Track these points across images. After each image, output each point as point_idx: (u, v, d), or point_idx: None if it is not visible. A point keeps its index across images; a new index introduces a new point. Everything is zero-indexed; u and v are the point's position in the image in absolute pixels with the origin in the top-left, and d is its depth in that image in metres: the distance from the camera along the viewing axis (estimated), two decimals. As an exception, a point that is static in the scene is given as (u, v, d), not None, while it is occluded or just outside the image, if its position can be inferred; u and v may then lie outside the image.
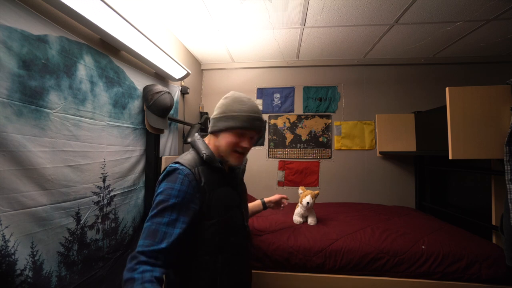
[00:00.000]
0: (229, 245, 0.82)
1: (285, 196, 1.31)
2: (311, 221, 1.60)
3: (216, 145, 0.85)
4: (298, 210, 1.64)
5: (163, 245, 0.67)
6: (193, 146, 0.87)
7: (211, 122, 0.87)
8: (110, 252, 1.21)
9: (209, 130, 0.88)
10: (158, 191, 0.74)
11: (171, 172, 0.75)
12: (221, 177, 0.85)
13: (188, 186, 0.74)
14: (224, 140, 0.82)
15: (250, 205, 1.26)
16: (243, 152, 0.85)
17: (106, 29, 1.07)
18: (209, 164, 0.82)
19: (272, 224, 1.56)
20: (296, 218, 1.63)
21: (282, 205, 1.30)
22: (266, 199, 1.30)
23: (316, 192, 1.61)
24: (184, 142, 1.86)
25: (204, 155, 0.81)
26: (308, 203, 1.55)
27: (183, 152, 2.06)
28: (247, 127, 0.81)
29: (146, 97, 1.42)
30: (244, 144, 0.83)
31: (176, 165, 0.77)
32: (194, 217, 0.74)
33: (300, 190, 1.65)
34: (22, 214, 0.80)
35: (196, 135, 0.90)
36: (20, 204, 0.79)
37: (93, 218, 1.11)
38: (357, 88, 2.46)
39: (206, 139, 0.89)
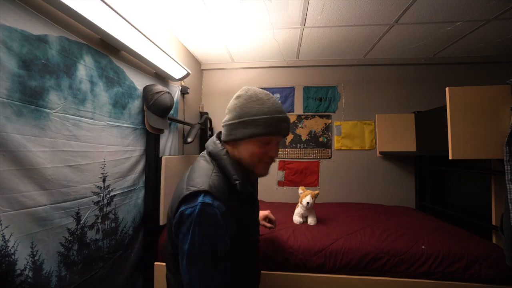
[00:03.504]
0: (246, 263, 0.76)
1: (267, 225, 1.16)
2: (311, 221, 1.60)
3: (237, 157, 0.72)
4: (298, 210, 1.64)
5: None
6: (218, 161, 0.71)
7: (224, 129, 0.73)
8: (110, 252, 1.21)
9: (222, 138, 0.75)
10: (195, 238, 0.59)
11: (204, 212, 0.60)
12: (248, 200, 0.76)
13: (229, 225, 0.64)
14: (247, 151, 0.70)
15: None
16: (269, 162, 0.73)
17: (106, 29, 1.07)
18: (238, 191, 0.69)
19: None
20: (296, 218, 1.63)
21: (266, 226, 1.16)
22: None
23: (316, 192, 1.61)
24: (184, 142, 1.86)
25: (238, 183, 0.67)
26: (308, 203, 1.55)
27: (183, 153, 2.06)
28: (273, 132, 0.68)
29: (146, 97, 1.42)
30: (272, 153, 0.70)
31: (208, 200, 0.61)
32: None
33: (300, 190, 1.65)
34: (22, 214, 0.80)
35: (219, 147, 0.73)
36: (20, 204, 0.79)
37: (93, 218, 1.11)
38: (357, 88, 2.46)
39: (229, 149, 0.74)
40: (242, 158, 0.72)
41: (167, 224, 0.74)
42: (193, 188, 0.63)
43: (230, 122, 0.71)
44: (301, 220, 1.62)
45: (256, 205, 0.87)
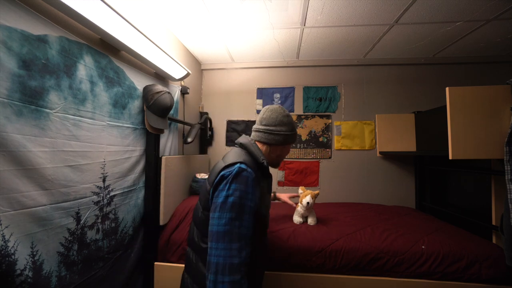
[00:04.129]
0: (261, 244, 0.91)
1: (294, 205, 1.61)
2: (311, 221, 1.60)
3: (268, 154, 0.96)
4: (298, 210, 1.64)
5: (249, 248, 0.73)
6: (247, 149, 0.92)
7: (281, 136, 0.94)
8: (110, 252, 1.21)
9: (257, 138, 0.96)
10: (229, 192, 0.75)
11: (240, 173, 0.77)
12: (267, 183, 0.96)
13: (257, 190, 0.79)
14: (284, 151, 0.99)
15: None
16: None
17: (106, 29, 1.07)
18: (263, 170, 0.89)
19: (272, 224, 1.56)
20: (296, 218, 1.63)
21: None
22: (278, 194, 1.62)
23: (316, 192, 1.61)
24: (184, 142, 1.86)
25: (265, 161, 0.87)
26: (308, 203, 1.55)
27: (183, 153, 2.06)
28: (293, 141, 0.99)
29: (146, 97, 1.42)
30: (288, 153, 1.04)
31: (244, 166, 0.79)
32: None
33: (300, 190, 1.65)
34: (22, 214, 0.80)
35: (249, 138, 0.97)
36: (20, 204, 0.79)
37: (93, 218, 1.11)
38: (357, 88, 2.46)
39: (258, 145, 0.96)
40: (279, 156, 0.98)
41: (202, 196, 0.90)
42: (231, 161, 0.82)
43: (282, 132, 0.94)
44: (301, 220, 1.62)
45: (270, 193, 1.05)
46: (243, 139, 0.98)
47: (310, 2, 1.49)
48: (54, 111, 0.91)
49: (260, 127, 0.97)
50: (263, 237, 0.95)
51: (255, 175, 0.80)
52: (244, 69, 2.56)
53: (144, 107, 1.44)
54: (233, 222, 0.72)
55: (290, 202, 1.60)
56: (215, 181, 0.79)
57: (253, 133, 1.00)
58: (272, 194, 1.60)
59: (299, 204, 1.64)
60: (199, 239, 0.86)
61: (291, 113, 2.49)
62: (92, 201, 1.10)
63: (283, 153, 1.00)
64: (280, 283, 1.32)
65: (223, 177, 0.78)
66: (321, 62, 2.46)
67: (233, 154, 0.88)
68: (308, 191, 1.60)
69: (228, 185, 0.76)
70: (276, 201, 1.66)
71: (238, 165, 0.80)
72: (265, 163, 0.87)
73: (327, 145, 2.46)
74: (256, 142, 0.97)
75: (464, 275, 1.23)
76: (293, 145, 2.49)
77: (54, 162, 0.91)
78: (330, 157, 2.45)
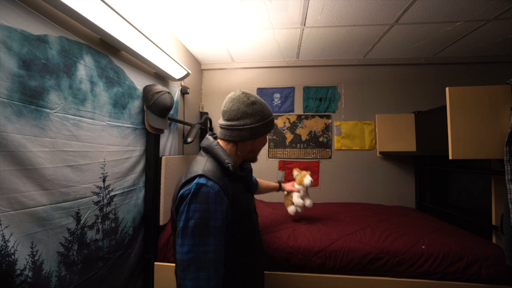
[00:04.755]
0: (251, 250, 0.84)
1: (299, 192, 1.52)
2: (309, 203, 1.53)
3: (236, 152, 0.85)
4: (297, 194, 1.54)
5: (220, 273, 0.66)
6: (210, 153, 0.81)
7: (247, 131, 0.81)
8: (110, 252, 1.21)
9: (230, 138, 0.83)
10: (189, 215, 0.66)
11: (198, 190, 0.68)
12: (242, 184, 0.84)
13: (222, 204, 0.70)
14: (257, 145, 0.87)
15: (268, 183, 1.51)
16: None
17: (106, 29, 1.07)
18: (232, 173, 0.78)
19: (272, 224, 1.56)
20: (297, 200, 1.52)
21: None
22: (283, 185, 1.57)
23: (309, 172, 1.55)
24: (184, 142, 1.86)
25: (230, 165, 0.76)
26: (311, 181, 1.48)
27: (183, 153, 2.06)
28: (271, 129, 0.88)
29: (146, 97, 1.42)
30: (265, 144, 0.93)
31: (203, 180, 0.70)
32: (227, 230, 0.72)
33: (296, 172, 1.58)
34: (22, 214, 0.80)
35: (211, 140, 0.84)
36: (20, 204, 0.79)
37: (93, 218, 1.11)
38: (357, 88, 2.46)
39: (223, 145, 0.85)
40: (254, 149, 0.86)
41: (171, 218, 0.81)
42: (190, 176, 0.73)
43: (255, 124, 0.81)
44: (302, 201, 1.52)
45: (251, 192, 0.94)
46: (205, 141, 0.86)
47: (310, 2, 1.49)
48: (54, 111, 0.91)
49: (222, 122, 0.85)
50: (253, 239, 0.87)
51: (219, 186, 0.71)
52: (244, 69, 2.56)
53: (144, 107, 1.44)
54: (197, 249, 0.64)
55: (295, 189, 1.53)
56: (176, 202, 0.71)
57: (219, 131, 0.88)
58: (277, 184, 1.57)
59: (295, 185, 1.55)
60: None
61: (291, 113, 2.51)
62: (92, 201, 1.10)
63: (256, 147, 0.87)
64: (280, 283, 1.32)
65: (182, 198, 0.70)
66: (321, 62, 2.46)
67: (194, 165, 0.79)
68: (304, 171, 1.54)
69: (187, 206, 0.67)
70: (282, 191, 1.61)
71: (196, 180, 0.70)
72: (230, 168, 0.76)
73: (327, 145, 2.46)
74: (219, 141, 0.86)
75: (464, 275, 1.23)
76: (294, 145, 2.49)
77: (54, 162, 0.91)
78: (330, 157, 2.45)
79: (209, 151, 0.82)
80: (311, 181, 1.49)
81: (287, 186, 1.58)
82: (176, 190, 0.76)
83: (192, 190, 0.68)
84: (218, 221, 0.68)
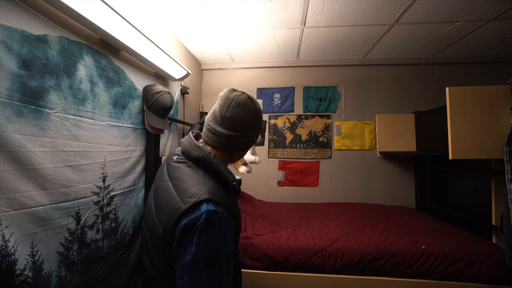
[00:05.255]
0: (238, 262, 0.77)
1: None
2: (258, 159, 1.65)
3: (227, 160, 0.77)
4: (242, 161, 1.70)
5: None
6: (207, 167, 0.69)
7: (249, 141, 0.74)
8: (110, 252, 1.21)
9: (232, 149, 0.74)
10: (200, 247, 0.57)
11: (210, 219, 0.59)
12: (235, 198, 0.76)
13: (231, 227, 0.64)
14: (240, 156, 0.79)
15: None
16: None
17: (106, 29, 1.07)
18: (232, 190, 0.70)
19: (272, 224, 1.56)
20: (249, 156, 1.63)
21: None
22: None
23: None
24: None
25: (235, 184, 0.69)
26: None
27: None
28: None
29: (146, 97, 1.42)
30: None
31: (212, 207, 0.60)
32: None
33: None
34: (22, 214, 0.80)
35: (206, 151, 0.70)
36: (20, 204, 0.79)
37: (93, 218, 1.11)
38: (357, 88, 2.46)
39: (220, 156, 0.74)
40: (231, 161, 0.78)
41: (153, 241, 0.70)
42: (192, 200, 0.61)
43: (249, 137, 0.73)
44: (253, 157, 1.63)
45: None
46: (196, 150, 0.70)
47: (310, 2, 1.49)
48: (54, 111, 0.91)
49: (222, 131, 0.70)
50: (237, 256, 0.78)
51: (227, 210, 0.63)
52: (244, 69, 2.56)
53: (144, 107, 1.44)
54: (210, 282, 0.58)
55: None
56: (176, 232, 0.60)
57: (208, 135, 0.74)
58: None
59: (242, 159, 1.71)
60: (150, 265, 0.73)
61: (291, 113, 2.51)
62: (92, 201, 1.10)
63: (244, 153, 0.80)
64: (280, 283, 1.32)
65: (188, 228, 0.59)
66: (321, 62, 2.46)
67: (190, 182, 0.65)
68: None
69: (197, 238, 0.57)
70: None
71: (205, 207, 0.59)
72: (236, 186, 0.68)
73: (327, 145, 2.46)
74: (213, 150, 0.73)
75: (464, 275, 1.23)
76: (294, 145, 2.50)
77: (54, 162, 0.91)
78: (330, 157, 2.45)
79: (205, 165, 0.69)
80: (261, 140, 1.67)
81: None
82: (172, 216, 0.61)
83: (202, 221, 0.58)
84: (231, 248, 0.62)
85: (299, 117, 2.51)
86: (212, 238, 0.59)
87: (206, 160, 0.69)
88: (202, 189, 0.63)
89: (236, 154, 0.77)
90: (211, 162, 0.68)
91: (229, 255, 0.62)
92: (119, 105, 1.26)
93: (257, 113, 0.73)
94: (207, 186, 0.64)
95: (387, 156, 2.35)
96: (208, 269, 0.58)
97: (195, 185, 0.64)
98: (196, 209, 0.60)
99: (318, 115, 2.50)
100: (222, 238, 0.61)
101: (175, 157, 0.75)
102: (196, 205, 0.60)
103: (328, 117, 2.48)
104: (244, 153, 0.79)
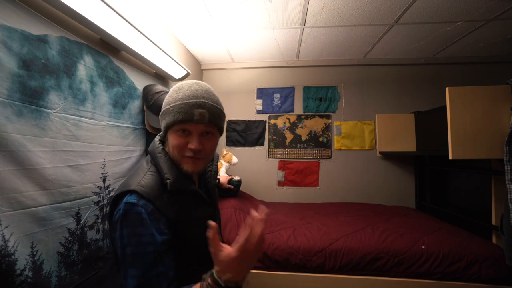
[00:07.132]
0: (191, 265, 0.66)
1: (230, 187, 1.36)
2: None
3: (170, 154, 0.67)
4: (223, 169, 1.99)
5: None
6: (154, 160, 0.67)
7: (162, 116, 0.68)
8: (110, 252, 1.21)
9: (163, 134, 0.70)
10: (124, 241, 0.56)
11: (127, 212, 0.57)
12: (194, 197, 0.69)
13: (159, 223, 0.58)
14: (170, 145, 0.65)
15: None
16: (194, 156, 0.64)
17: (106, 29, 1.07)
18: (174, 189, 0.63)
19: (272, 224, 1.56)
20: (223, 175, 1.64)
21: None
22: (221, 181, 1.31)
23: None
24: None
25: (168, 182, 0.61)
26: (237, 161, 2.05)
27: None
28: (183, 119, 0.61)
29: (146, 97, 1.42)
30: (191, 145, 0.62)
31: (133, 199, 0.57)
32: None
33: (224, 151, 2.07)
34: (22, 214, 0.80)
35: (156, 143, 0.68)
36: (20, 204, 0.79)
37: (93, 218, 1.11)
38: (357, 88, 2.46)
39: (167, 149, 0.69)
40: (170, 154, 0.67)
41: None
42: (120, 189, 0.61)
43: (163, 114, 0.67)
44: (226, 175, 1.63)
45: (213, 204, 0.77)
46: (151, 143, 0.71)
47: (310, 2, 1.49)
48: (54, 111, 0.91)
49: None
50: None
51: (152, 207, 0.58)
52: (244, 69, 2.56)
53: (144, 107, 1.44)
54: (142, 277, 0.54)
55: (228, 186, 1.34)
56: (108, 226, 0.61)
57: None
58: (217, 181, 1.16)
59: (222, 162, 2.02)
60: None
61: (291, 113, 2.51)
62: (92, 201, 1.10)
63: (173, 141, 0.65)
64: (280, 283, 1.32)
65: (113, 221, 0.59)
66: (321, 62, 2.46)
67: (134, 174, 0.65)
68: (229, 152, 2.06)
69: (120, 231, 0.56)
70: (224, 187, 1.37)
71: (125, 199, 0.58)
72: (168, 186, 0.61)
73: (327, 145, 2.46)
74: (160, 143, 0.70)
75: (464, 275, 1.23)
76: (294, 145, 2.49)
77: (54, 162, 0.91)
78: (330, 157, 2.45)
79: (153, 158, 0.67)
80: (237, 161, 2.01)
81: (222, 180, 1.36)
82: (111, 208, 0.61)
83: (121, 212, 0.57)
84: (159, 245, 0.57)
85: (299, 117, 2.51)
86: (134, 233, 0.56)
87: (153, 154, 0.68)
88: (136, 180, 0.61)
89: (167, 139, 0.68)
90: (156, 155, 0.66)
91: (160, 251, 0.57)
92: (119, 105, 1.26)
93: (177, 89, 0.67)
94: (143, 179, 0.62)
95: (387, 156, 2.36)
96: (136, 267, 0.54)
97: (132, 177, 0.64)
98: (119, 201, 0.59)
99: (318, 115, 2.50)
100: (147, 234, 0.56)
101: None
102: (119, 196, 0.59)
103: (328, 117, 2.48)
104: (169, 137, 0.66)
